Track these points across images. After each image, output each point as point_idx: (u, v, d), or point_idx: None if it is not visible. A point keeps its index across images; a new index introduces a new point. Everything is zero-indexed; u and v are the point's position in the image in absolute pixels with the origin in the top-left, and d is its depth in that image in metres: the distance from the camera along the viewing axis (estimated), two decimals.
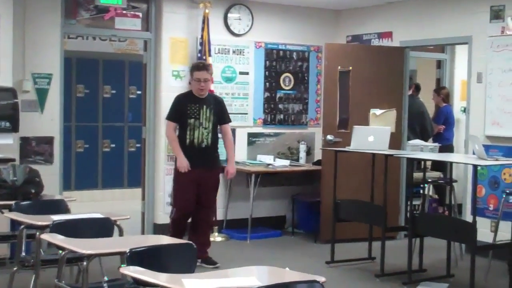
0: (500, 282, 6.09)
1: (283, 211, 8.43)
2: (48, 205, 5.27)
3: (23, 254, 4.85)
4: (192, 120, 6.23)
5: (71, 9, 7.30)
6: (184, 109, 6.29)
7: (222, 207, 7.96)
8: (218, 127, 6.48)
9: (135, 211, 7.63)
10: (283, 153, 8.41)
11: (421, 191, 7.03)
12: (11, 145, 6.52)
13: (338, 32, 8.77)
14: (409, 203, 6.93)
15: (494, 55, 6.91)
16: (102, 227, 4.47)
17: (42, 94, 7.04)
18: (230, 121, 6.55)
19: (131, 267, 3.38)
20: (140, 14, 7.65)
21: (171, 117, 6.38)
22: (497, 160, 5.88)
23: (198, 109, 6.27)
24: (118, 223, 4.56)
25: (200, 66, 6.37)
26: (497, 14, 6.92)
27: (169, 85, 7.62)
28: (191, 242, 3.89)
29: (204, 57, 7.51)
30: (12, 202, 5.10)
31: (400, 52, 8.01)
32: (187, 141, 6.26)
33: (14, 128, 6.38)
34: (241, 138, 8.16)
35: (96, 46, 9.98)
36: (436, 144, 7.64)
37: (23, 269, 4.82)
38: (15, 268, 4.85)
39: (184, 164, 6.22)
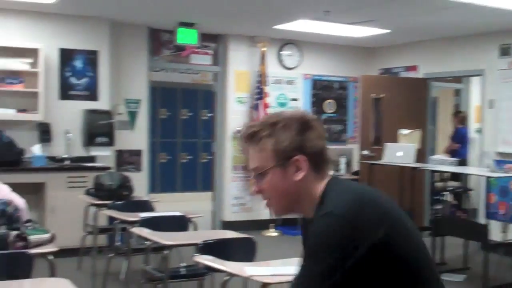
0: (508, 274, 6.35)
1: None
2: (137, 205, 5.46)
3: (118, 243, 5.30)
4: None
5: (155, 48, 7.81)
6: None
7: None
8: None
9: (206, 210, 8.00)
10: None
11: (442, 198, 6.92)
12: (109, 156, 7.03)
13: (372, 66, 9.00)
14: (432, 207, 6.84)
15: (503, 85, 7.21)
16: (180, 223, 4.62)
17: (132, 115, 7.46)
18: None
19: (203, 256, 3.52)
20: (211, 52, 8.10)
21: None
22: (506, 172, 6.14)
23: None
24: (192, 220, 4.68)
25: None
26: (505, 51, 7.23)
27: (234, 109, 8.00)
28: (251, 237, 3.88)
29: (262, 87, 8.04)
30: (109, 202, 5.33)
31: (424, 82, 8.25)
32: None
33: (111, 142, 6.84)
34: None
35: (176, 77, 10.89)
36: (454, 158, 7.53)
37: (117, 255, 5.20)
38: (111, 255, 5.25)
39: None
